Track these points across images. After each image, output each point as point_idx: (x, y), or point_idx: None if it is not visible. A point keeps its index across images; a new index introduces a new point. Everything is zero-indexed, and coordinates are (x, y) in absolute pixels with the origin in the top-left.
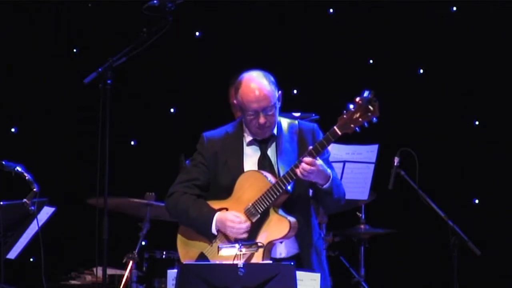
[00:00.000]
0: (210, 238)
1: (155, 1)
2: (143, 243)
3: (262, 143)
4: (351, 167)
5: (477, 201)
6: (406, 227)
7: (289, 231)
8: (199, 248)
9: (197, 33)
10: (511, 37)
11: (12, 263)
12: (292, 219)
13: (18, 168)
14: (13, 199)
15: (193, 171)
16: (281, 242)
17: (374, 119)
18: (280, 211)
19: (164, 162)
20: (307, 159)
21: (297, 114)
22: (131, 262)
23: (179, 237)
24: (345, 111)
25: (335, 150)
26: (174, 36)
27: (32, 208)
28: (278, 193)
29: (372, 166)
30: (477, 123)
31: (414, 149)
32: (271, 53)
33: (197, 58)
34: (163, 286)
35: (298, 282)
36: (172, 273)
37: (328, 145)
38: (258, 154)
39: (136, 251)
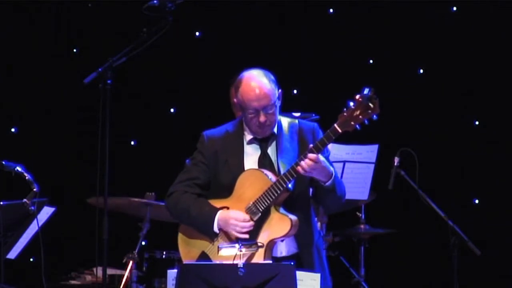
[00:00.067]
0: (211, 236)
1: (155, 1)
2: (143, 243)
3: (262, 142)
4: (351, 167)
5: (477, 201)
6: (406, 227)
7: (290, 229)
8: (200, 247)
9: (197, 33)
10: (511, 37)
11: (12, 263)
12: (294, 217)
13: (18, 168)
14: (13, 199)
15: (193, 170)
16: (282, 241)
17: (375, 116)
18: (281, 210)
19: (164, 162)
20: (311, 155)
21: (297, 114)
22: (131, 262)
23: (180, 236)
24: (345, 109)
25: (335, 150)
26: (174, 36)
27: (32, 208)
28: (279, 191)
29: (372, 166)
30: (477, 123)
31: (414, 149)
32: (271, 53)
33: (197, 58)
34: (163, 286)
35: (298, 282)
36: (172, 273)
37: (329, 143)
38: (259, 152)
39: (136, 251)
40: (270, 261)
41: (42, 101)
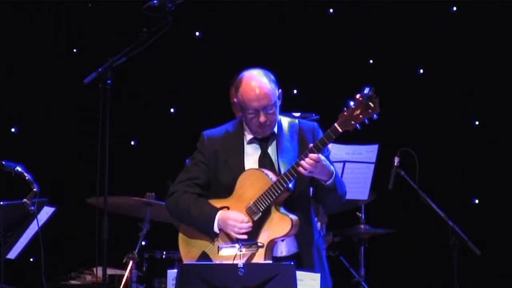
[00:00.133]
0: (211, 237)
1: (155, 1)
2: (143, 243)
3: (262, 142)
4: (351, 167)
5: (477, 201)
6: (406, 227)
7: (291, 229)
8: (200, 247)
9: (197, 33)
10: (511, 37)
11: (12, 263)
12: (294, 217)
13: (18, 168)
14: (13, 199)
15: (193, 170)
16: (282, 241)
17: (375, 115)
18: (282, 209)
19: (164, 162)
20: (312, 155)
21: (297, 114)
22: (131, 262)
23: (180, 236)
24: (345, 108)
25: (335, 150)
26: (174, 36)
27: (32, 208)
28: (279, 191)
29: (372, 166)
30: (477, 123)
31: (414, 149)
32: (271, 53)
33: (197, 58)
34: (163, 286)
35: (298, 282)
36: (172, 273)
37: (329, 142)
38: (259, 152)
39: (136, 251)
40: (270, 261)
41: (42, 101)
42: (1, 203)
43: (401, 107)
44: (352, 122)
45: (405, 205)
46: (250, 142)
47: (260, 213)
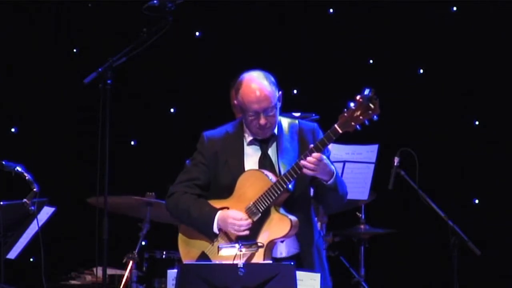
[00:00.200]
0: (211, 237)
1: (155, 1)
2: (143, 243)
3: (262, 143)
4: (351, 167)
5: (477, 201)
6: (406, 227)
7: (290, 230)
8: (200, 247)
9: (197, 33)
10: (511, 37)
11: (12, 263)
12: (293, 218)
13: (18, 168)
14: (13, 199)
15: (193, 171)
16: (282, 241)
17: (375, 117)
18: (281, 210)
19: (164, 162)
20: (314, 154)
21: (297, 114)
22: (131, 262)
23: (180, 236)
24: (345, 109)
25: (335, 150)
26: (174, 36)
27: (32, 208)
28: (279, 192)
29: (372, 166)
30: (477, 123)
31: (414, 149)
32: (271, 53)
33: (197, 58)
34: (163, 286)
35: (298, 282)
36: (172, 273)
37: (329, 143)
38: (259, 153)
39: (136, 251)
40: (270, 261)
41: (42, 101)
42: (1, 203)
43: (401, 107)
44: (352, 123)
45: (405, 205)
46: (250, 143)
47: (260, 214)
